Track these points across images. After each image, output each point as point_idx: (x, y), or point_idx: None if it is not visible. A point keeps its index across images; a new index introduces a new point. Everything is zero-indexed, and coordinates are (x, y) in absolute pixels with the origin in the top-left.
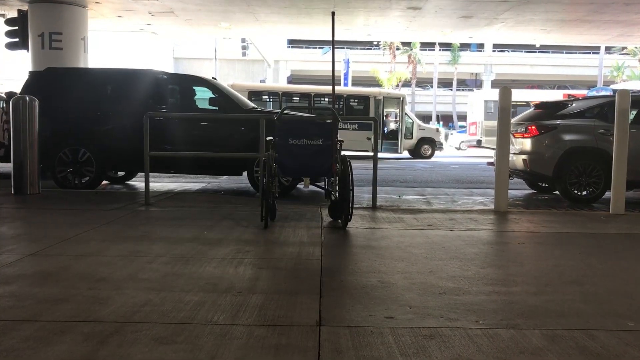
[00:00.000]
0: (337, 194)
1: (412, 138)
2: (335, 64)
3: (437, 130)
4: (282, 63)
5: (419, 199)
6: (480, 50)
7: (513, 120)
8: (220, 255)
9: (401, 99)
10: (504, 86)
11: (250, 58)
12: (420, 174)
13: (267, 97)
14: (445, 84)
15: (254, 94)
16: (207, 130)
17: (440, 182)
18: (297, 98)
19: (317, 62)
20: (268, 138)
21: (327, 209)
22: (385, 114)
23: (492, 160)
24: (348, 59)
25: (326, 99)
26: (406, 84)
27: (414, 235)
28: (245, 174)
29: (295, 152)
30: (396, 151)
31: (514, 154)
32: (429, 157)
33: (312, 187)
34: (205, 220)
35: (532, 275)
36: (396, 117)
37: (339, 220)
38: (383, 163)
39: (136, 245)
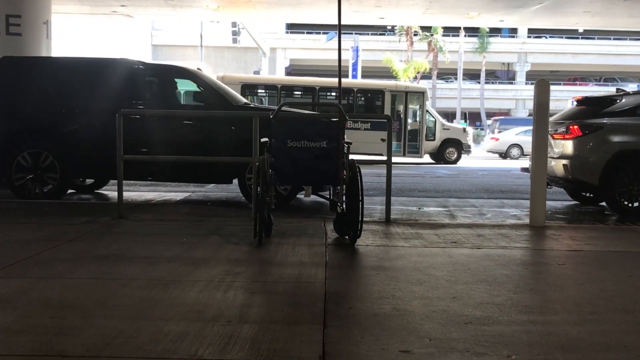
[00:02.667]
0: (344, 206)
1: (434, 139)
2: (342, 52)
3: (464, 130)
4: (280, 51)
5: (440, 212)
6: (513, 36)
7: (552, 118)
8: (206, 278)
9: (422, 93)
10: (541, 79)
11: (242, 45)
12: (442, 181)
13: (263, 91)
14: (472, 75)
15: (248, 88)
16: (192, 130)
17: (465, 192)
18: (299, 92)
19: (320, 50)
20: (263, 139)
21: (332, 223)
22: (402, 110)
23: (526, 165)
24: (357, 47)
25: (333, 94)
26: (426, 75)
27: (435, 255)
28: (236, 181)
29: (295, 156)
30: (416, 154)
31: (552, 158)
32: (455, 161)
33: (314, 197)
34: (188, 236)
35: (574, 301)
36: (416, 115)
37: (346, 237)
38: (399, 169)
39: (107, 265)
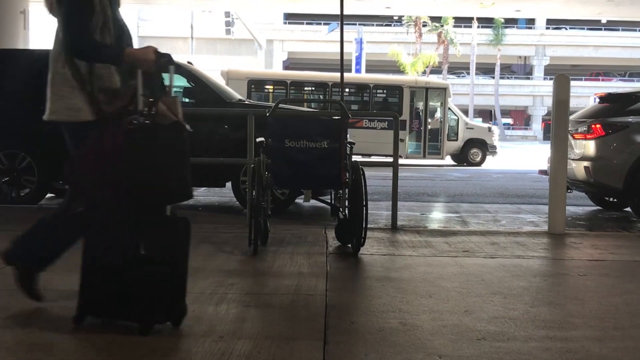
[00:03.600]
0: (346, 211)
1: (457, 139)
2: (345, 44)
3: (489, 129)
4: (277, 43)
5: (451, 218)
6: (531, 28)
7: (572, 117)
8: (197, 290)
9: (444, 89)
10: (561, 73)
11: (236, 37)
12: (453, 185)
13: (271, 87)
14: (486, 70)
15: (255, 84)
16: None
17: (478, 196)
18: (310, 88)
19: (321, 42)
20: (258, 139)
21: (333, 230)
22: (422, 108)
23: (545, 168)
24: (361, 39)
25: (348, 90)
26: (435, 70)
27: (445, 264)
28: (229, 185)
29: (293, 157)
30: (437, 155)
31: (573, 160)
32: (479, 163)
33: (314, 202)
34: None
35: (597, 315)
36: (437, 113)
37: (349, 245)
38: (406, 171)
39: None
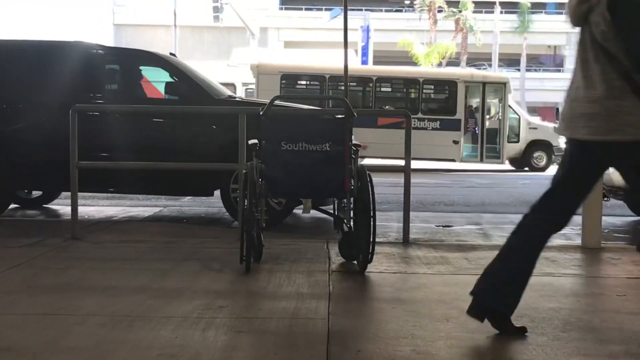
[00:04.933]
0: (351, 223)
1: (518, 141)
2: (350, 32)
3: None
4: (272, 32)
5: (471, 230)
6: (561, 13)
7: None
8: (181, 314)
9: (504, 84)
10: None
11: (225, 25)
12: (474, 192)
13: (307, 82)
14: (510, 61)
15: (288, 79)
16: (163, 130)
17: (503, 205)
18: (352, 83)
19: (322, 30)
20: (251, 141)
21: (336, 244)
22: (479, 106)
23: None
24: (368, 26)
25: (394, 85)
26: (452, 61)
27: (465, 284)
28: (218, 193)
29: (291, 162)
30: (496, 159)
31: None
32: (543, 168)
33: (315, 213)
34: (159, 261)
35: (638, 341)
36: (495, 111)
37: (355, 262)
38: (419, 177)
39: (58, 298)
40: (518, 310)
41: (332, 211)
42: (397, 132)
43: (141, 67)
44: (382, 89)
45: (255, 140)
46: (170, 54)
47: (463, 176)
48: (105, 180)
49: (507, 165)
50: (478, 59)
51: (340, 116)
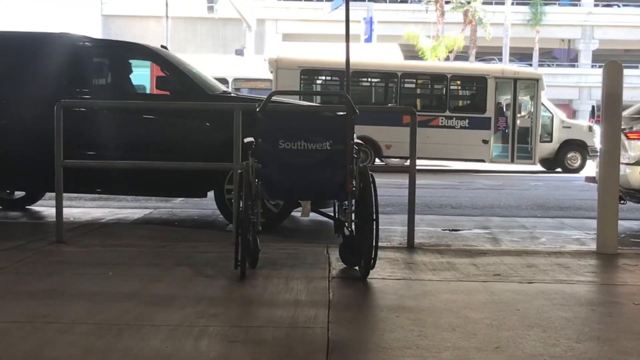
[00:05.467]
0: (352, 227)
1: (551, 141)
2: (352, 25)
3: (590, 128)
4: (270, 24)
5: (480, 234)
6: (576, 5)
7: (625, 112)
8: (173, 322)
9: (536, 81)
10: (612, 60)
11: (220, 16)
12: (482, 195)
13: (328, 77)
14: (522, 55)
15: (309, 74)
16: (154, 127)
17: (512, 208)
18: (376, 79)
19: (322, 22)
20: (247, 140)
21: (337, 249)
22: (510, 103)
23: (592, 174)
24: (371, 18)
25: (421, 81)
26: (461, 55)
27: (473, 291)
28: (211, 195)
29: (289, 162)
30: (528, 160)
31: (627, 164)
32: (577, 169)
33: (314, 216)
34: (149, 266)
35: None
36: (527, 109)
37: (356, 267)
38: (424, 177)
39: (42, 305)
40: (529, 320)
41: (332, 214)
42: (422, 131)
43: (131, 61)
44: (408, 85)
45: (252, 139)
46: (162, 46)
47: (471, 177)
48: (92, 180)
49: (537, 167)
50: (487, 53)
51: (341, 113)
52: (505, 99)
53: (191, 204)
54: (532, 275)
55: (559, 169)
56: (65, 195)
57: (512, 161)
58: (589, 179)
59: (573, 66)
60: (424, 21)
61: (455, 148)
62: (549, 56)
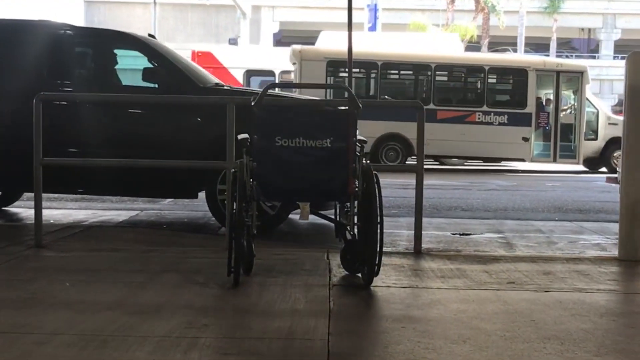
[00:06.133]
0: (355, 230)
1: (596, 139)
2: (355, 12)
3: None
4: (266, 11)
5: (492, 239)
6: None
7: None
8: (160, 333)
9: (581, 73)
10: (636, 51)
11: (212, 2)
12: (495, 196)
13: (357, 70)
14: (538, 46)
15: (336, 66)
16: (140, 122)
17: (528, 211)
18: (409, 72)
19: (323, 9)
20: (241, 136)
21: (338, 254)
22: (552, 98)
23: (615, 175)
24: (375, 5)
25: (456, 73)
26: (472, 45)
27: (484, 300)
28: (203, 195)
29: (287, 160)
30: (571, 159)
31: None
32: None
33: (313, 219)
34: (135, 273)
35: None
36: (571, 104)
37: (359, 274)
38: (432, 177)
39: (19, 314)
40: (545, 332)
41: (333, 216)
42: (457, 128)
43: (116, 51)
44: (442, 78)
45: (246, 135)
46: (149, 35)
47: (483, 177)
48: (74, 179)
49: (578, 167)
50: (501, 43)
51: (343, 108)
52: (547, 93)
53: (181, 205)
54: (548, 283)
55: (604, 169)
56: (44, 195)
57: (554, 160)
58: (610, 180)
59: (593, 57)
60: (432, 8)
61: (493, 146)
62: (567, 47)
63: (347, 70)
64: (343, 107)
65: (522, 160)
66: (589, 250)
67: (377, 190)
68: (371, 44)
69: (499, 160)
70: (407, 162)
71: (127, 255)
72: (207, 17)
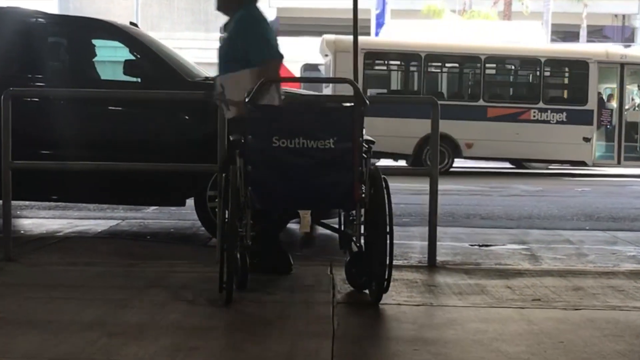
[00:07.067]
0: (362, 241)
1: None
2: None
3: None
4: None
5: (515, 251)
6: None
7: None
8: (144, 356)
9: None
10: None
11: None
12: (518, 202)
13: (398, 62)
14: (566, 34)
15: (373, 58)
16: (121, 121)
17: (555, 219)
18: (455, 64)
19: None
20: (233, 137)
21: (343, 268)
22: (615, 93)
23: None
24: None
25: (509, 65)
26: None
27: (507, 319)
28: (191, 203)
29: (285, 163)
30: (636, 161)
31: None
32: None
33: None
34: (115, 289)
35: None
36: (635, 100)
37: (366, 291)
38: (447, 182)
39: None
40: (575, 354)
41: (337, 226)
42: (511, 127)
43: (94, 41)
44: (492, 72)
45: (239, 135)
46: (131, 23)
47: (504, 181)
48: (47, 185)
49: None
50: None
51: (348, 104)
52: (610, 87)
53: (166, 213)
54: (578, 300)
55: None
56: (14, 203)
57: (619, 163)
58: None
59: (628, 46)
60: None
61: (550, 147)
62: (599, 35)
63: (386, 62)
64: (348, 104)
65: (583, 163)
66: (623, 263)
67: (386, 196)
68: (442, 33)
69: (557, 162)
70: (454, 166)
71: (106, 269)
72: (195, 4)
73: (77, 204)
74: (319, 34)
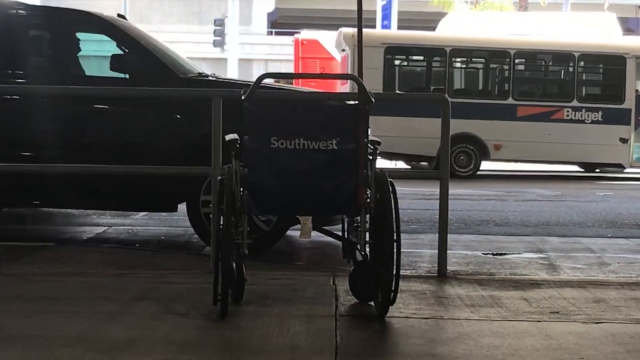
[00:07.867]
0: (366, 250)
1: None
2: None
3: None
4: None
5: (532, 260)
6: None
7: None
8: None
9: None
10: None
11: None
12: (535, 208)
13: (421, 57)
14: None
15: (397, 52)
16: (108, 120)
17: (575, 225)
18: (481, 59)
19: None
20: (229, 137)
21: (347, 279)
22: None
23: None
24: None
25: (541, 61)
26: None
27: (523, 333)
28: (183, 208)
29: (284, 166)
30: None
31: None
32: None
33: (317, 236)
34: (102, 301)
35: None
36: None
37: (372, 303)
38: (457, 185)
39: None
40: None
41: (340, 233)
42: (542, 126)
43: (78, 34)
44: (523, 67)
45: (235, 135)
46: (119, 15)
47: (520, 185)
48: (29, 189)
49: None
50: None
51: (352, 102)
52: None
53: (156, 220)
54: (600, 313)
55: None
56: None
57: None
58: None
59: None
60: None
61: (584, 149)
62: (622, 27)
63: (408, 57)
64: (352, 102)
65: (620, 165)
66: None
67: (393, 201)
68: (505, 26)
69: (592, 165)
70: (481, 169)
71: (92, 280)
72: None
73: (60, 209)
74: (319, 27)
